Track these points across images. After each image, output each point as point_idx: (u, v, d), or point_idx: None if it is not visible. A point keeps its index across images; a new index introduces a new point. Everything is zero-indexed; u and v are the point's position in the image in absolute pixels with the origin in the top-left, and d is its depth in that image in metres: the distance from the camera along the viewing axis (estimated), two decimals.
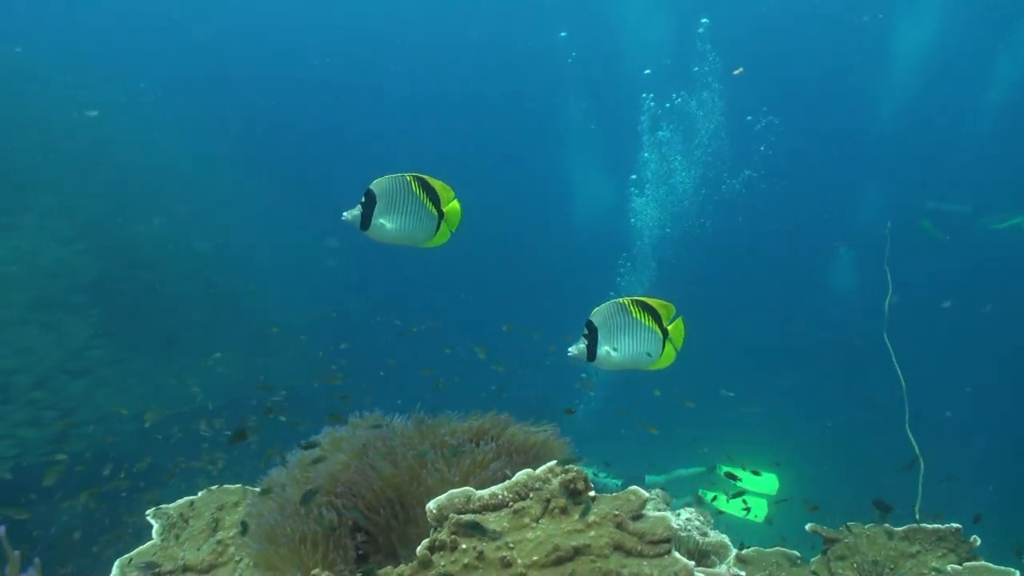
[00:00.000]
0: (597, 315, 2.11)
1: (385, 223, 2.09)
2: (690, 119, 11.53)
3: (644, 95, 11.54)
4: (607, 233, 13.21)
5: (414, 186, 2.09)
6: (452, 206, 2.14)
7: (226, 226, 10.22)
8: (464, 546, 1.69)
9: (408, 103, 15.73)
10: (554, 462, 1.83)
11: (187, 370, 8.18)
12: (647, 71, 12.42)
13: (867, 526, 2.71)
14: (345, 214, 2.09)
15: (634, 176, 11.93)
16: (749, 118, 12.43)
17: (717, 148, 11.71)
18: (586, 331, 2.12)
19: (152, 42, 12.56)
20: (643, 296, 2.16)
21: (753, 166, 12.43)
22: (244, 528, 2.06)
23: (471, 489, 1.80)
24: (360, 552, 1.97)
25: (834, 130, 14.51)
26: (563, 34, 14.74)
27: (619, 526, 1.76)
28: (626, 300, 2.12)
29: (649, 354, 2.13)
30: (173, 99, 11.10)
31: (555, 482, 1.80)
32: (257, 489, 2.46)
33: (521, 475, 1.82)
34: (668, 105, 11.48)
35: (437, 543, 1.72)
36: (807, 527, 2.73)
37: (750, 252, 13.98)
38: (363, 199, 2.09)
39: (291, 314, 10.37)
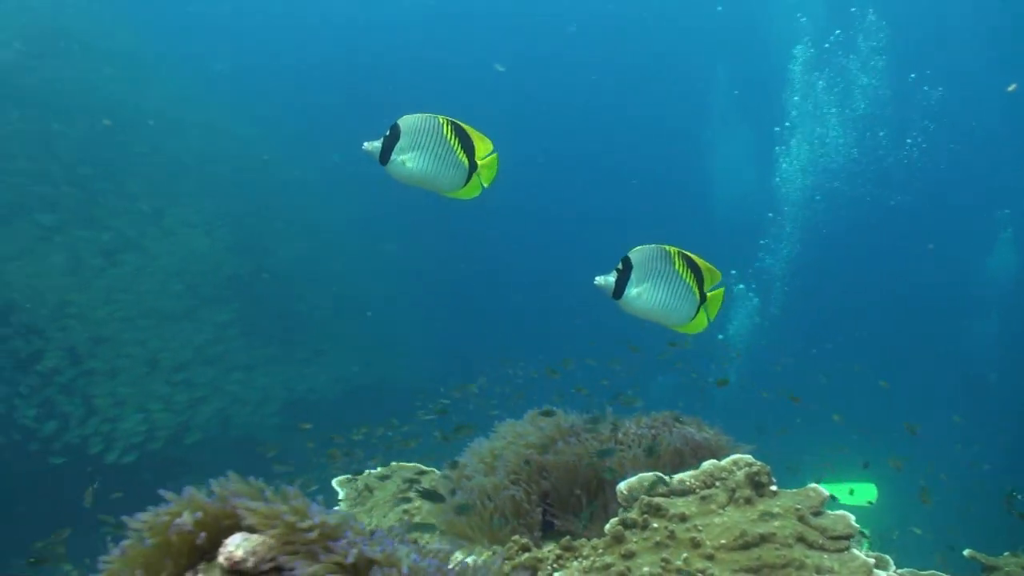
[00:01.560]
0: (636, 253, 1.95)
1: (406, 161, 1.92)
2: (845, 72, 10.55)
3: (797, 47, 10.57)
4: (751, 193, 12.37)
5: (446, 128, 1.92)
6: (489, 160, 1.97)
7: (355, 236, 10.79)
8: (655, 525, 1.84)
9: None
10: (739, 454, 1.95)
11: (306, 363, 8.75)
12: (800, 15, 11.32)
13: None
14: (366, 144, 1.93)
15: (787, 124, 10.78)
16: (913, 76, 11.25)
17: (875, 111, 10.69)
18: (619, 266, 1.94)
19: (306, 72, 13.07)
20: (693, 253, 1.98)
21: (914, 137, 11.39)
22: (434, 499, 2.28)
23: (660, 473, 1.94)
24: (546, 522, 2.15)
25: (1001, 112, 12.84)
26: None
27: (801, 519, 1.86)
28: (672, 249, 1.95)
29: (680, 313, 1.95)
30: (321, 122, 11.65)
31: (740, 474, 1.92)
32: (435, 470, 2.70)
33: (707, 465, 1.95)
34: (827, 45, 10.45)
35: (628, 521, 1.87)
36: (965, 553, 2.69)
37: (902, 228, 12.83)
38: (387, 132, 1.92)
39: (400, 314, 10.82)
